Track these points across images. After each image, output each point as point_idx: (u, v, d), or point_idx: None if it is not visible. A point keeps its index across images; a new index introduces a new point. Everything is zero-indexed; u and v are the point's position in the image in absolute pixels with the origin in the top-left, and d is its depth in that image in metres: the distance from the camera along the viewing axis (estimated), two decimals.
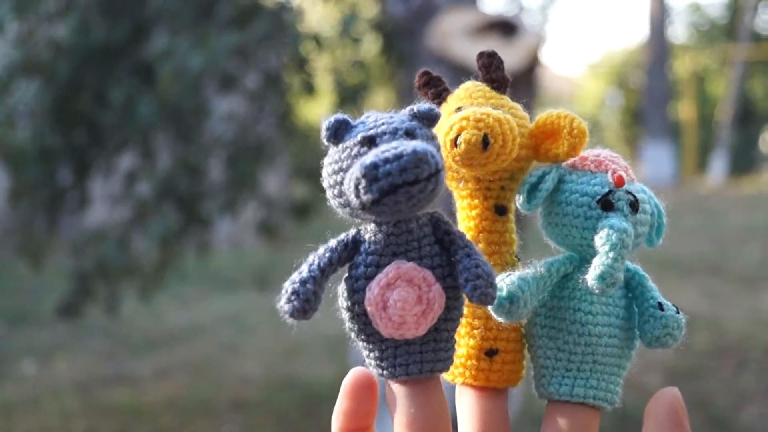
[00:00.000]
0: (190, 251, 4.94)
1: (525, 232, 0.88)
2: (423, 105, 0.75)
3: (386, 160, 0.67)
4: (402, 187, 0.67)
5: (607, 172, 0.79)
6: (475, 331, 0.82)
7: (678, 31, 28.77)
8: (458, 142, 0.75)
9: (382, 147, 0.69)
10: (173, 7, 4.44)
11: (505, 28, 3.82)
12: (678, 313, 0.78)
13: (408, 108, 0.75)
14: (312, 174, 5.12)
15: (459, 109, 0.80)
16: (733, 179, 20.32)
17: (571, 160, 0.82)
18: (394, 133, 0.72)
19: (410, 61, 4.44)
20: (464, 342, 0.82)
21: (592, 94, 28.43)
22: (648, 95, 19.11)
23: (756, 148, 25.00)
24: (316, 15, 5.87)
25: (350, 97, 4.71)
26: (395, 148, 0.68)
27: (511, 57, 3.50)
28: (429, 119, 0.75)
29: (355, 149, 0.72)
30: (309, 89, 4.89)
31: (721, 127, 21.55)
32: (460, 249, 0.75)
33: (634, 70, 25.90)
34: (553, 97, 26.13)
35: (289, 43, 4.61)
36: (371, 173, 0.67)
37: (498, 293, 0.75)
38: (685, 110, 22.23)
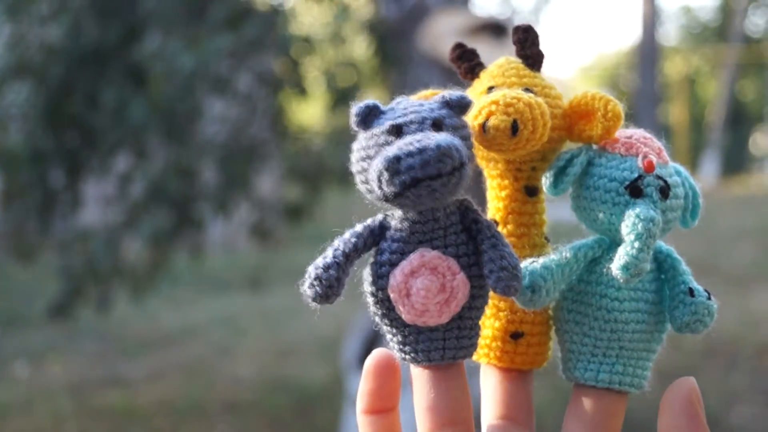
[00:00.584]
0: (182, 253, 4.94)
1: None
2: (455, 93, 0.74)
3: (409, 154, 0.66)
4: (424, 181, 0.66)
5: (637, 155, 0.77)
6: (501, 314, 0.81)
7: (669, 34, 28.77)
8: (486, 127, 0.73)
9: (407, 139, 0.68)
10: (165, 9, 4.44)
11: (496, 30, 3.82)
12: (710, 299, 0.77)
13: (440, 95, 0.74)
14: (305, 176, 5.12)
15: (491, 88, 0.79)
16: (724, 180, 20.35)
17: (601, 142, 0.80)
18: (421, 123, 0.71)
19: (402, 63, 4.45)
20: (489, 323, 0.82)
21: None
22: (640, 97, 19.11)
23: (747, 150, 25.04)
24: (309, 17, 5.87)
25: (342, 98, 4.70)
26: (419, 141, 0.67)
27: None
28: (460, 107, 0.73)
29: (382, 137, 0.71)
30: (301, 91, 4.89)
31: (712, 129, 21.59)
32: (487, 239, 0.73)
33: (625, 72, 25.94)
34: None
35: (281, 45, 4.62)
36: (393, 166, 0.66)
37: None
38: (676, 112, 22.26)
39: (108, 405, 5.67)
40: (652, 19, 18.98)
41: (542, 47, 0.83)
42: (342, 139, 5.50)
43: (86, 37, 4.35)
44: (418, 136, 0.68)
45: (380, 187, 0.68)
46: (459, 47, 0.84)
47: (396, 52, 4.51)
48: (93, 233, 4.58)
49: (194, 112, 4.48)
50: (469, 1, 4.60)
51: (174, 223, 4.53)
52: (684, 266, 0.79)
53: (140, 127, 4.25)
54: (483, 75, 0.82)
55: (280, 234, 5.31)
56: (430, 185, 0.66)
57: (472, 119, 0.74)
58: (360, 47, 5.24)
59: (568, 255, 0.77)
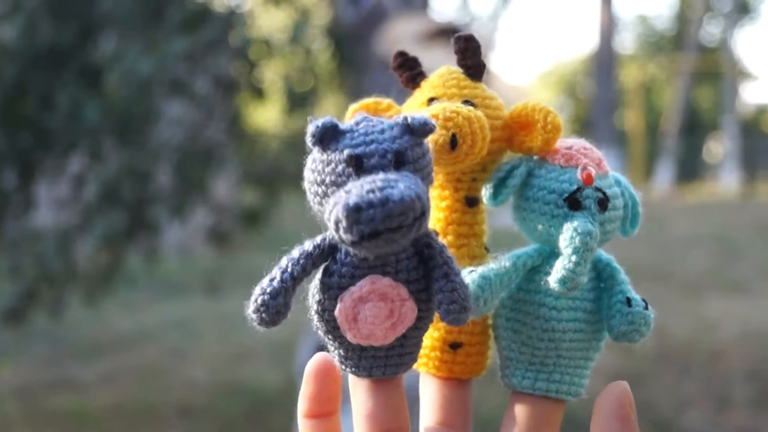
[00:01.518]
0: (137, 256, 4.91)
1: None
2: (418, 117, 0.70)
3: (370, 204, 0.63)
4: (384, 234, 0.64)
5: (577, 167, 0.76)
6: (440, 324, 0.80)
7: (626, 42, 28.99)
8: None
9: (368, 183, 0.65)
10: (121, 10, 4.41)
11: (454, 35, 3.83)
12: (647, 308, 0.76)
13: (402, 116, 0.71)
14: (262, 180, 5.10)
15: (431, 100, 0.79)
16: (679, 188, 20.54)
17: (541, 153, 0.79)
18: (383, 156, 0.68)
19: (360, 67, 4.44)
20: (428, 334, 0.80)
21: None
22: (596, 104, 19.23)
23: (701, 157, 25.27)
24: (267, 20, 5.86)
25: (300, 102, 4.69)
26: (381, 190, 0.64)
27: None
28: (423, 133, 0.70)
29: (340, 167, 0.68)
30: (258, 94, 4.88)
31: (667, 137, 21.77)
32: (439, 267, 0.72)
33: (583, 79, 26.09)
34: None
35: (239, 47, 4.60)
36: (353, 216, 0.63)
37: None
38: (632, 119, 22.43)
39: (59, 409, 5.62)
40: (609, 27, 19.12)
41: (483, 57, 0.82)
42: (299, 143, 5.49)
43: (41, 37, 4.31)
44: (380, 181, 0.65)
45: (337, 231, 0.65)
46: (401, 55, 0.83)
47: (353, 56, 4.50)
48: (43, 234, 4.54)
49: (150, 114, 4.45)
50: (428, 6, 4.60)
51: (128, 225, 4.50)
52: (623, 276, 0.79)
53: (95, 129, 4.22)
54: (424, 85, 0.82)
55: (237, 238, 5.29)
56: (390, 237, 0.64)
57: None
58: (318, 51, 5.23)
59: (507, 264, 0.77)
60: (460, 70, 0.81)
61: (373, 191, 0.64)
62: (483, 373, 0.83)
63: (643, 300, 0.77)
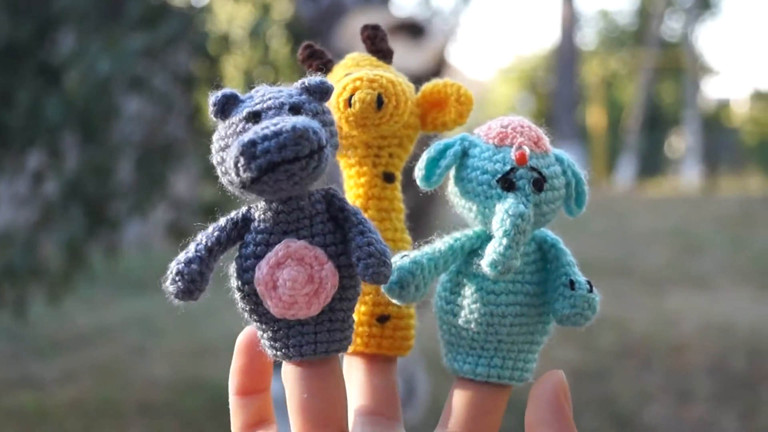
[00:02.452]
0: (98, 253, 4.88)
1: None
2: (314, 78, 0.73)
3: (264, 137, 0.65)
4: (281, 165, 0.65)
5: (511, 146, 0.74)
6: (367, 297, 0.81)
7: (587, 37, 29.08)
8: (352, 101, 0.74)
9: (263, 123, 0.67)
10: (80, 6, 4.38)
11: (414, 30, 3.82)
12: (591, 291, 0.74)
13: (299, 81, 0.73)
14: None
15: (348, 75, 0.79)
16: (641, 183, 20.64)
17: (476, 130, 0.78)
18: (279, 108, 0.70)
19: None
20: (356, 309, 0.79)
21: (503, 99, 28.65)
22: (558, 99, 19.30)
23: (662, 153, 25.38)
24: (226, 15, 5.84)
25: None
26: (275, 125, 0.66)
27: (418, 59, 3.49)
28: (320, 93, 0.72)
29: (240, 125, 0.69)
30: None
31: (628, 132, 21.87)
32: (354, 226, 0.72)
33: (544, 74, 26.15)
34: None
35: (198, 42, 4.58)
36: (249, 151, 0.65)
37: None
38: (593, 115, 22.50)
39: (19, 406, 5.58)
40: (570, 22, 19.19)
41: (388, 44, 0.85)
42: None
43: None
44: (275, 119, 0.67)
45: (237, 174, 0.66)
46: (308, 47, 0.84)
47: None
48: (11, 238, 4.50)
49: (110, 111, 4.43)
50: (389, 1, 4.59)
51: (89, 222, 4.47)
52: (569, 257, 0.77)
53: (56, 126, 4.19)
54: (337, 68, 0.83)
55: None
56: (288, 169, 0.65)
57: (335, 97, 0.75)
58: (278, 46, 5.21)
59: (442, 248, 0.76)
60: (371, 56, 0.84)
61: (266, 127, 0.65)
62: (408, 352, 0.83)
63: (588, 282, 0.75)
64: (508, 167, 0.73)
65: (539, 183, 0.73)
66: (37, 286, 4.60)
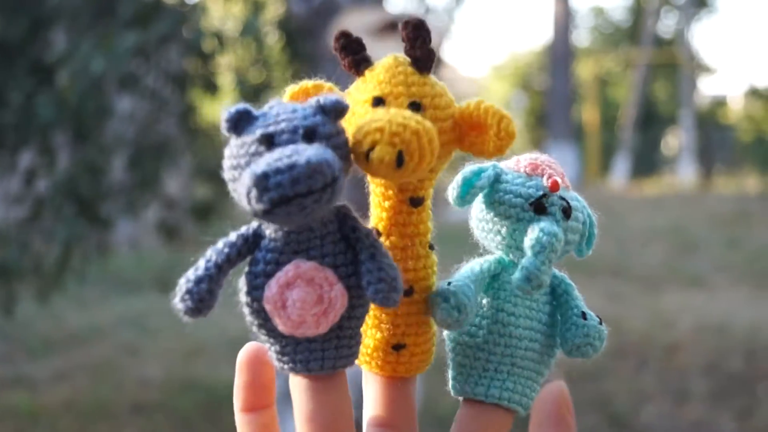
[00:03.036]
0: (90, 252, 4.87)
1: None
2: (330, 97, 0.71)
3: (277, 171, 0.64)
4: (294, 199, 0.64)
5: (542, 176, 0.77)
6: (383, 326, 0.79)
7: (582, 35, 29.14)
8: (370, 158, 0.69)
9: (276, 153, 0.66)
10: (72, 4, 4.37)
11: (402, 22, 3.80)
12: (601, 324, 0.78)
13: (315, 98, 0.71)
14: (214, 174, 5.08)
15: (377, 100, 0.74)
16: (636, 181, 20.68)
17: (505, 163, 0.80)
18: (293, 132, 0.68)
19: (312, 60, 4.42)
20: (371, 334, 0.79)
21: (497, 96, 28.66)
22: (552, 97, 19.31)
23: (658, 151, 25.49)
24: (219, 12, 5.82)
25: (252, 96, 4.67)
26: (288, 156, 0.64)
27: None
28: (335, 112, 0.71)
29: (253, 147, 0.68)
30: (211, 88, 4.85)
31: (623, 130, 21.93)
32: (365, 249, 0.72)
33: (538, 72, 26.20)
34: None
35: (192, 41, 4.57)
36: (261, 183, 0.64)
37: (446, 304, 0.74)
38: (588, 113, 22.55)
39: (11, 406, 5.57)
40: (564, 19, 19.18)
41: (434, 46, 0.77)
42: None
43: None
44: (288, 149, 0.66)
45: (249, 203, 0.65)
46: (343, 36, 0.77)
47: (305, 50, 4.48)
48: (2, 235, 4.48)
49: (103, 110, 4.41)
50: None
51: (82, 222, 4.45)
52: (576, 292, 0.80)
53: (47, 124, 4.17)
54: (369, 75, 0.77)
55: (188, 233, 5.25)
56: (301, 203, 0.65)
57: (354, 143, 0.71)
58: (270, 44, 5.20)
59: (476, 271, 0.78)
60: (408, 60, 0.77)
61: (280, 159, 0.65)
62: (426, 369, 0.82)
63: (597, 316, 0.78)
64: (540, 192, 0.76)
65: (567, 211, 0.77)
66: (27, 284, 4.59)
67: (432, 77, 0.77)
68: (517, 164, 0.79)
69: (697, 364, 6.15)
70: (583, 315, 0.78)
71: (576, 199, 0.79)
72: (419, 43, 0.75)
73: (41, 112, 4.05)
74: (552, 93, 19.39)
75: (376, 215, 0.79)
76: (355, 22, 3.83)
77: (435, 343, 0.81)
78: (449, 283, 0.75)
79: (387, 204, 0.78)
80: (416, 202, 0.78)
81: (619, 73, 26.53)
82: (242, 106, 0.71)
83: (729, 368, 6.07)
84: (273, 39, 5.19)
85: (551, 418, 0.73)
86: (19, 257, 4.37)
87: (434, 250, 0.80)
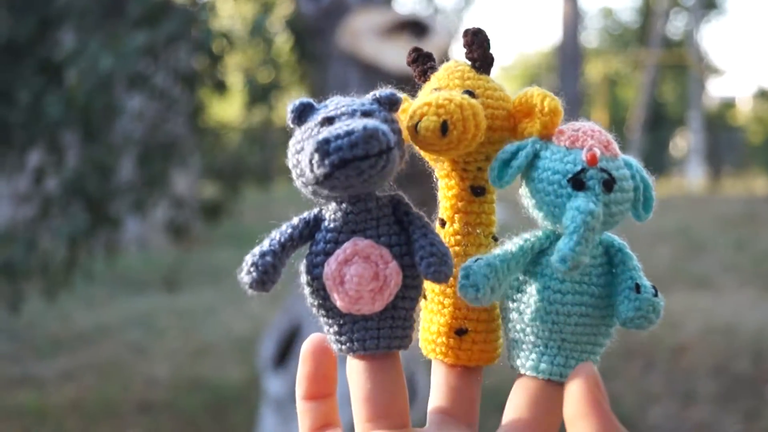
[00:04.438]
0: (97, 251, 4.87)
1: None
2: (384, 90, 0.78)
3: (338, 136, 0.69)
4: (353, 162, 0.70)
5: (582, 148, 0.77)
6: (445, 310, 0.82)
7: (591, 36, 29.12)
8: (418, 128, 0.74)
9: (336, 124, 0.72)
10: (81, 4, 4.37)
11: (416, 28, 3.81)
12: (656, 295, 0.77)
13: (371, 93, 0.78)
14: (222, 173, 5.09)
15: (435, 91, 0.79)
16: None
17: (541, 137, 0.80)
18: (352, 114, 0.74)
19: (321, 60, 4.42)
20: (435, 320, 0.83)
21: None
22: (561, 98, 19.25)
23: (667, 152, 25.43)
24: (228, 12, 5.83)
25: (261, 96, 4.68)
26: (347, 125, 0.71)
27: None
28: (390, 103, 0.77)
29: (315, 129, 0.74)
30: (220, 87, 4.85)
31: (632, 131, 21.87)
32: (418, 228, 0.77)
33: (547, 73, 26.18)
34: None
35: (200, 41, 4.57)
36: (323, 148, 0.69)
37: (464, 280, 0.75)
38: (597, 114, 22.50)
39: (19, 405, 5.58)
40: (573, 20, 19.15)
41: (490, 50, 0.84)
42: (260, 137, 5.47)
43: None
44: (347, 121, 0.71)
45: (311, 170, 0.71)
46: (415, 51, 0.85)
47: (314, 50, 4.48)
48: (12, 235, 4.49)
49: (111, 109, 4.41)
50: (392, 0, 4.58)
51: (90, 221, 4.46)
52: (635, 262, 0.79)
53: (56, 123, 4.18)
54: (433, 77, 0.83)
55: (197, 232, 5.26)
56: (359, 166, 0.70)
57: (407, 121, 0.76)
58: (280, 44, 5.20)
59: (513, 249, 0.78)
60: (467, 63, 0.83)
61: (340, 127, 0.71)
62: (493, 362, 0.85)
63: (653, 287, 0.78)
64: (578, 167, 0.76)
65: (609, 184, 0.76)
66: (34, 282, 4.59)
67: (489, 77, 0.83)
68: (558, 137, 0.79)
69: (704, 366, 6.14)
70: (637, 287, 0.77)
71: (625, 165, 0.79)
72: (476, 46, 0.83)
73: (50, 111, 4.06)
74: (561, 94, 19.20)
75: (442, 205, 0.84)
76: (365, 22, 3.84)
77: (501, 336, 0.84)
78: (476, 260, 0.76)
79: (450, 193, 0.83)
80: (477, 191, 0.82)
81: (628, 74, 26.52)
82: (305, 99, 0.77)
83: (736, 370, 6.06)
84: (282, 39, 5.20)
85: (584, 399, 0.72)
86: (26, 256, 4.37)
87: (498, 242, 0.82)
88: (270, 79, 4.95)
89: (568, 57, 18.96)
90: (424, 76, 0.83)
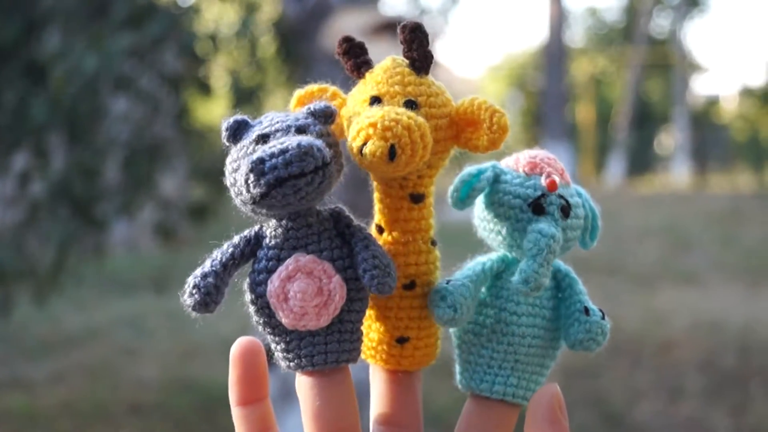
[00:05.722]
0: (85, 254, 4.86)
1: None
2: (319, 103, 0.77)
3: (272, 155, 0.69)
4: (289, 180, 0.69)
5: (541, 175, 0.79)
6: (387, 318, 0.81)
7: (576, 35, 29.10)
8: (363, 152, 0.72)
9: (270, 143, 0.71)
10: (66, 5, 4.37)
11: (400, 25, 3.81)
12: (603, 318, 0.79)
13: (305, 107, 0.77)
14: (209, 175, 5.08)
15: (374, 99, 0.77)
16: (630, 180, 20.68)
17: (505, 161, 0.82)
18: (286, 131, 0.73)
19: (306, 62, 4.42)
20: (376, 327, 0.82)
21: (493, 96, 28.59)
22: (547, 97, 19.30)
23: (652, 150, 25.44)
24: (213, 14, 5.83)
25: (246, 97, 4.68)
26: (281, 143, 0.70)
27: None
28: (324, 117, 0.76)
29: (250, 147, 0.73)
30: (205, 89, 4.85)
31: (618, 129, 21.93)
32: (360, 241, 0.77)
33: (533, 72, 26.17)
34: (453, 99, 26.31)
35: (185, 42, 4.57)
36: (258, 167, 0.69)
37: (443, 302, 0.76)
38: (583, 112, 22.55)
39: (9, 408, 5.56)
40: (558, 20, 19.18)
41: (430, 48, 0.80)
42: None
43: None
44: (281, 139, 0.71)
45: (248, 190, 0.71)
46: (346, 41, 0.81)
47: (299, 51, 4.48)
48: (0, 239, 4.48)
49: (97, 111, 4.41)
50: (377, 0, 4.58)
51: (77, 224, 4.45)
52: (581, 286, 0.81)
53: (41, 125, 4.17)
54: (369, 77, 0.80)
55: (184, 233, 5.26)
56: (295, 184, 0.70)
57: (350, 140, 0.74)
58: (264, 46, 5.21)
59: (477, 270, 0.79)
60: (406, 61, 0.80)
61: (274, 145, 0.71)
62: (432, 363, 0.84)
63: (600, 311, 0.80)
64: (539, 193, 0.78)
65: (566, 210, 0.78)
66: (24, 286, 4.58)
67: (429, 78, 0.80)
68: (516, 163, 0.81)
69: (692, 362, 6.16)
70: (586, 310, 0.79)
71: (577, 194, 0.81)
72: (416, 45, 0.79)
73: (35, 114, 4.05)
74: (547, 93, 19.37)
75: (379, 212, 0.82)
76: (349, 23, 3.84)
77: (440, 338, 0.84)
78: (448, 282, 0.78)
79: (388, 201, 0.81)
80: (417, 198, 0.81)
81: (613, 72, 26.50)
82: (239, 116, 0.76)
83: (723, 365, 6.07)
84: (267, 40, 5.20)
85: (545, 419, 0.74)
86: (14, 259, 4.36)
87: (436, 246, 0.83)
88: (255, 81, 4.95)
89: (554, 56, 18.99)
90: (358, 71, 0.80)
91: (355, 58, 0.80)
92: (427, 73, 0.80)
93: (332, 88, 0.83)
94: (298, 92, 0.83)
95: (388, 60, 0.80)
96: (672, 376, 5.94)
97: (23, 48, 4.40)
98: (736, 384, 5.75)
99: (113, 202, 4.60)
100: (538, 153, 0.82)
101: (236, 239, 0.78)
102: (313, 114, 0.76)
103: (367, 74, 0.80)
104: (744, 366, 6.07)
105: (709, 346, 6.47)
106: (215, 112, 8.38)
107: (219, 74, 5.16)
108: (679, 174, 21.46)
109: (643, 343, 6.55)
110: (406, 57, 0.79)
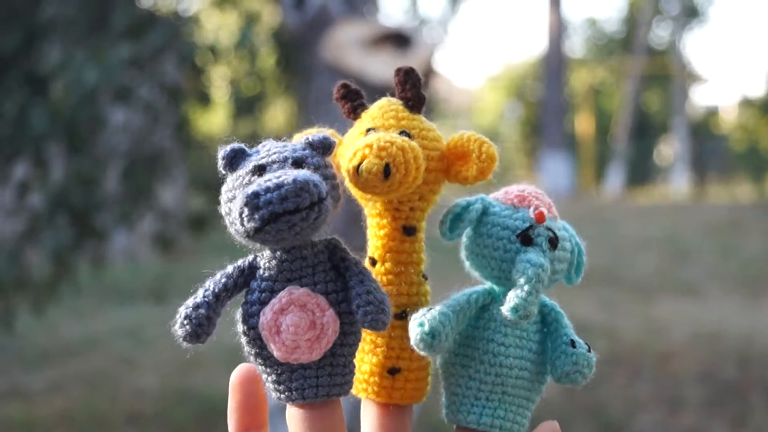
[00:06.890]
0: (84, 264, 4.86)
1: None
2: (317, 134, 0.77)
3: (267, 189, 0.69)
4: (283, 216, 0.69)
5: (529, 207, 0.80)
6: (378, 350, 0.82)
7: (575, 45, 29.11)
8: (360, 170, 0.74)
9: (266, 176, 0.71)
10: (66, 16, 4.37)
11: (400, 40, 3.82)
12: (590, 351, 0.80)
13: (303, 136, 0.78)
14: (209, 186, 5.08)
15: (369, 130, 0.80)
16: (629, 191, 20.67)
17: (494, 194, 0.83)
18: (283, 162, 0.73)
19: (306, 72, 4.43)
20: (367, 359, 0.83)
21: (492, 106, 28.73)
22: (546, 108, 19.32)
23: (651, 161, 25.42)
24: (213, 25, 5.83)
25: (246, 107, 4.68)
26: (277, 177, 0.70)
27: None
28: (322, 148, 0.76)
29: (246, 178, 0.73)
30: (205, 100, 4.85)
31: (617, 140, 21.90)
32: (354, 275, 0.76)
33: (532, 82, 26.18)
34: (453, 110, 26.37)
35: (185, 53, 4.57)
36: (252, 202, 0.69)
37: (420, 328, 0.76)
38: (582, 123, 22.54)
39: (7, 417, 5.56)
40: (558, 30, 19.21)
41: (422, 90, 0.83)
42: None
43: None
44: (278, 172, 0.71)
45: (242, 224, 0.70)
46: (343, 87, 0.84)
47: (299, 62, 4.49)
48: None
49: (97, 121, 4.41)
50: (376, 10, 4.58)
51: (76, 234, 4.45)
52: (566, 320, 0.82)
53: (41, 136, 4.18)
54: (364, 115, 0.83)
55: (184, 244, 5.25)
56: (290, 220, 0.70)
57: (347, 162, 0.76)
58: (265, 56, 5.21)
59: (461, 300, 0.80)
60: (400, 102, 0.82)
61: (269, 179, 0.70)
62: (423, 399, 0.85)
63: (586, 344, 0.81)
64: (527, 224, 0.80)
65: (554, 242, 0.80)
66: (23, 296, 4.58)
67: (422, 116, 0.82)
68: (504, 196, 0.82)
69: (691, 372, 6.15)
70: (572, 343, 0.80)
71: (564, 228, 0.82)
72: (409, 86, 0.82)
73: (34, 124, 4.05)
74: (546, 103, 19.39)
75: (372, 244, 0.83)
76: (349, 34, 3.85)
77: (430, 373, 0.84)
78: (429, 309, 0.78)
79: (382, 233, 0.83)
80: (409, 231, 0.82)
81: (613, 83, 26.49)
82: (237, 145, 0.76)
83: (722, 376, 6.07)
84: (267, 51, 5.20)
85: None
86: (12, 270, 4.36)
87: (427, 280, 0.84)
88: (255, 91, 4.96)
89: (553, 66, 19.01)
90: (354, 113, 0.83)
91: (352, 102, 0.83)
92: (419, 111, 0.83)
93: (330, 131, 0.84)
94: (298, 135, 0.83)
95: (383, 100, 0.83)
96: (671, 386, 5.94)
97: (23, 58, 4.41)
98: (735, 395, 5.74)
99: (113, 212, 4.60)
100: (526, 187, 0.83)
101: (229, 269, 0.78)
102: (312, 145, 0.77)
103: (363, 113, 0.83)
104: (744, 377, 6.06)
105: (709, 357, 6.47)
106: (215, 122, 8.39)
107: (219, 85, 5.16)
108: (678, 184, 21.45)
109: (643, 353, 6.55)
110: (400, 97, 0.83)
